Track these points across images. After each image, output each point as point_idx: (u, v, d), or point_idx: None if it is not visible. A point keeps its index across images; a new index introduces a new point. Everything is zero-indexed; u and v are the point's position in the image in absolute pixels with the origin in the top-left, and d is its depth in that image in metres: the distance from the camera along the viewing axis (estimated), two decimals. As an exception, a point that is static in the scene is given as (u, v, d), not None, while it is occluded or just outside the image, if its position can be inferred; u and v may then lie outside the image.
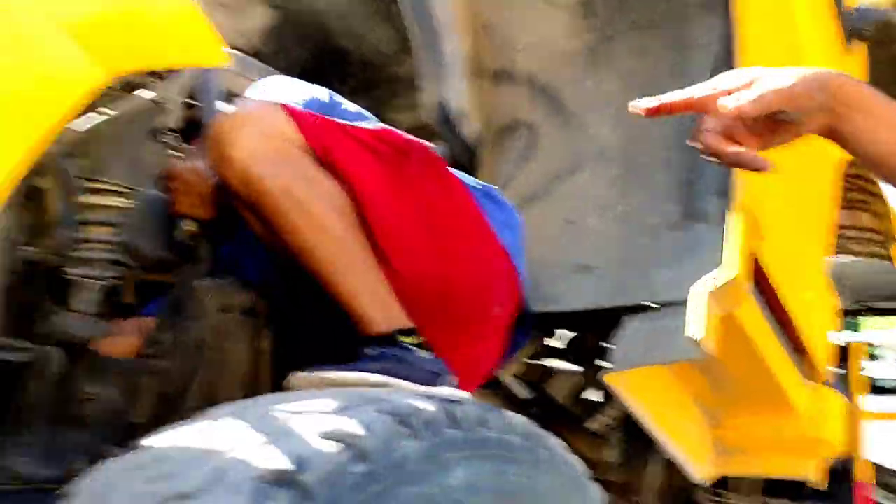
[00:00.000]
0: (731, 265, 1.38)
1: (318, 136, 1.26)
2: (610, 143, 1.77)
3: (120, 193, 1.20)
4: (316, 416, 0.81)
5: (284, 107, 1.28)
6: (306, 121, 1.27)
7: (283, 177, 1.20)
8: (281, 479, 0.71)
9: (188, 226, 1.53)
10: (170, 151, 1.57)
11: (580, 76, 1.85)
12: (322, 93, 1.50)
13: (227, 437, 0.77)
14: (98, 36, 0.56)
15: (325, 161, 1.26)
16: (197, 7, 0.70)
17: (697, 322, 1.30)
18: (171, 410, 1.26)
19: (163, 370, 1.33)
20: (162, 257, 1.58)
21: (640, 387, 1.60)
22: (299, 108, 1.32)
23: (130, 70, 0.67)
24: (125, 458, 0.78)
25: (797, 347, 2.06)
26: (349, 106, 1.60)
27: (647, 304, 1.55)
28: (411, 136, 1.42)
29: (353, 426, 0.79)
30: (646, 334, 1.47)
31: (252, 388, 1.35)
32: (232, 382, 1.31)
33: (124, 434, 1.25)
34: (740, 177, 1.44)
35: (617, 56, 1.79)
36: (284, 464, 0.72)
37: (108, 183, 1.17)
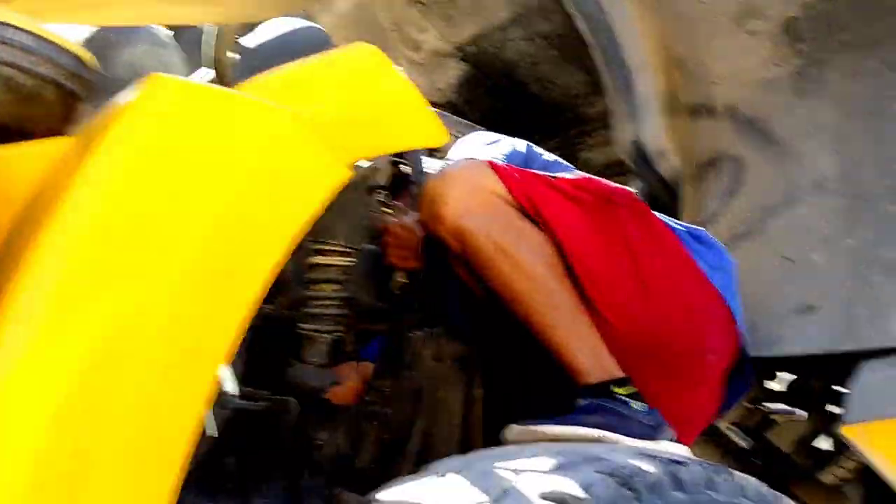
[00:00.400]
0: None
1: (523, 190, 1.29)
2: (829, 172, 1.64)
3: (343, 253, 1.29)
4: (536, 475, 0.82)
5: (489, 163, 1.32)
6: (510, 175, 1.31)
7: (493, 231, 1.25)
8: (507, 539, 0.72)
9: (401, 277, 1.63)
10: (382, 208, 1.68)
11: (789, 104, 1.74)
12: (521, 144, 1.54)
13: (453, 494, 0.80)
14: (337, 132, 0.62)
15: (531, 213, 1.29)
16: (417, 92, 0.75)
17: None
18: (393, 456, 1.33)
19: (384, 416, 1.40)
20: (379, 308, 1.68)
21: (884, 441, 1.45)
22: (502, 162, 1.36)
23: (366, 157, 0.73)
24: (361, 512, 0.83)
25: None
26: (547, 156, 1.62)
27: (884, 348, 1.41)
28: (613, 183, 1.41)
29: (573, 488, 0.79)
30: (887, 382, 1.33)
31: (465, 436, 1.39)
32: (447, 429, 1.35)
33: (352, 479, 1.33)
34: None
35: (829, 80, 1.67)
36: (510, 523, 0.73)
37: (333, 244, 1.27)
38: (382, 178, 1.76)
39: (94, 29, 1.11)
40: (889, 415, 1.31)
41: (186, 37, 1.69)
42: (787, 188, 1.71)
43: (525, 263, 1.24)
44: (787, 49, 1.73)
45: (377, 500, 0.85)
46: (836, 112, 1.65)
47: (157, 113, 0.55)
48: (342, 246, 1.31)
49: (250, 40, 1.31)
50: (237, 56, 1.24)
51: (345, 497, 1.24)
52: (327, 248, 1.30)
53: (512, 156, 1.52)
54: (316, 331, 1.28)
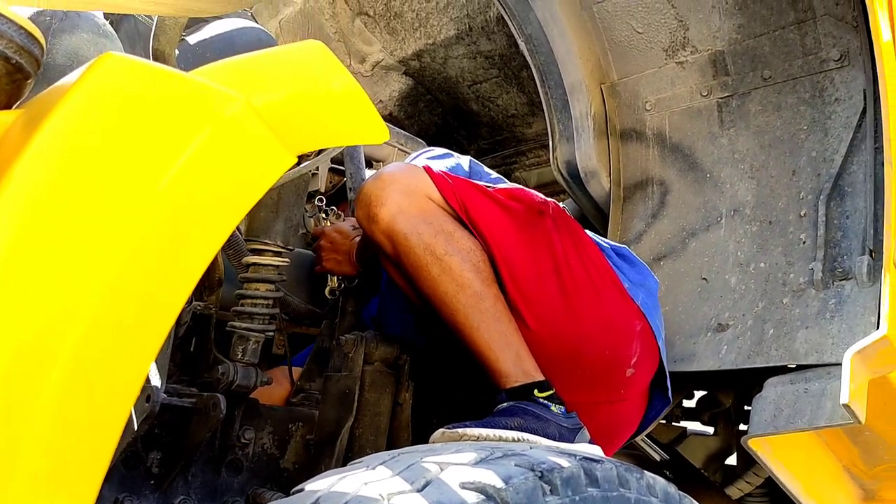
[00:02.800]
0: (883, 325, 1.32)
1: (457, 196, 1.33)
2: (746, 199, 1.74)
3: (278, 253, 1.30)
4: (459, 467, 0.85)
5: (426, 168, 1.36)
6: (445, 181, 1.35)
7: (424, 233, 1.28)
8: (429, 526, 0.75)
9: (333, 282, 1.65)
10: (319, 213, 1.70)
11: (713, 133, 1.84)
12: (465, 161, 1.59)
13: (379, 484, 0.82)
14: (284, 121, 0.64)
15: (464, 219, 1.33)
16: (361, 89, 0.78)
17: (846, 386, 1.25)
18: (319, 457, 1.34)
19: (311, 418, 1.41)
20: (311, 311, 1.69)
21: (785, 454, 1.53)
22: (441, 170, 1.40)
23: (309, 150, 0.76)
24: (288, 501, 0.85)
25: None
26: (488, 171, 1.67)
27: (789, 365, 1.49)
28: (544, 197, 1.46)
29: (493, 479, 0.82)
30: (790, 399, 1.41)
31: (393, 438, 1.41)
32: (375, 431, 1.37)
33: (276, 478, 1.33)
34: (890, 234, 1.38)
35: (751, 112, 1.77)
36: (432, 511, 0.76)
37: (269, 244, 1.28)
38: (322, 184, 1.78)
39: (35, 15, 1.10)
40: (791, 428, 1.39)
41: (125, 28, 1.68)
42: (707, 212, 1.80)
43: (454, 267, 1.27)
44: (714, 81, 1.83)
45: (303, 491, 0.87)
46: (755, 143, 1.75)
47: (108, 89, 0.56)
48: (278, 246, 1.32)
49: (195, 36, 1.32)
50: (177, 52, 1.25)
51: (266, 496, 1.24)
52: (263, 247, 1.31)
53: (456, 170, 1.56)
54: (247, 329, 1.29)
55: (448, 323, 1.31)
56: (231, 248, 1.37)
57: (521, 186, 1.49)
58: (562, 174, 2.07)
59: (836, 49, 1.62)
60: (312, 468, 1.34)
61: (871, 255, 1.45)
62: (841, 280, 1.49)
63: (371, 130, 0.77)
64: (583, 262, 1.41)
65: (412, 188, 1.33)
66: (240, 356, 1.28)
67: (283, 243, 1.33)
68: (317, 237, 1.67)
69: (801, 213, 1.63)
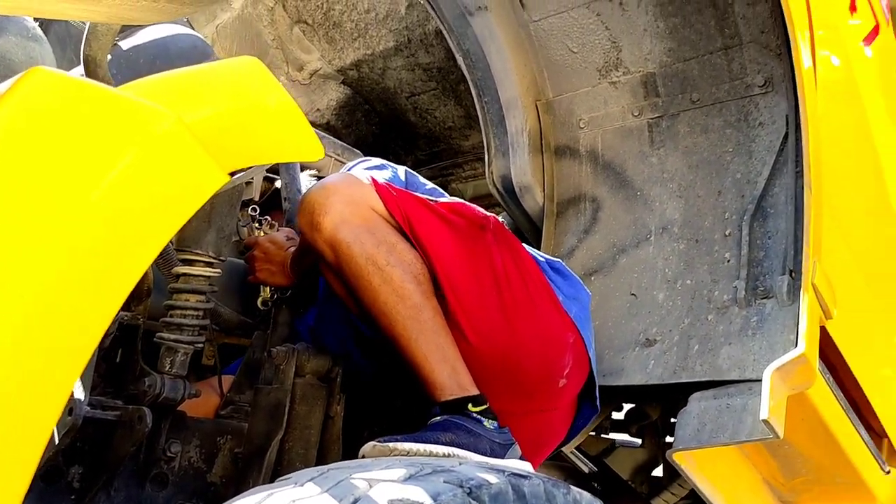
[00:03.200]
0: (801, 343, 1.37)
1: (400, 208, 1.34)
2: (674, 218, 1.79)
3: (209, 264, 1.28)
4: (387, 484, 0.85)
5: (372, 179, 1.37)
6: (389, 193, 1.35)
7: (367, 243, 1.29)
8: (357, 544, 0.74)
9: (266, 293, 1.62)
10: (253, 223, 1.67)
11: (644, 152, 1.89)
12: (402, 172, 1.59)
13: (308, 501, 0.82)
14: (217, 138, 0.64)
15: (406, 231, 1.34)
16: (296, 106, 0.78)
17: (765, 402, 1.30)
18: (248, 471, 1.32)
19: (240, 431, 1.39)
20: (242, 322, 1.66)
21: (708, 466, 1.57)
22: (383, 181, 1.40)
23: (241, 167, 0.75)
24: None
25: (874, 430, 2.00)
26: (428, 185, 1.68)
27: (713, 380, 1.54)
28: (485, 211, 1.48)
29: (421, 496, 0.82)
30: (713, 413, 1.45)
31: (323, 452, 1.40)
32: (305, 445, 1.36)
33: (203, 492, 1.30)
34: (808, 255, 1.44)
35: (680, 133, 1.83)
36: (360, 529, 0.75)
37: (199, 254, 1.26)
38: (255, 193, 1.76)
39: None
40: (714, 442, 1.43)
41: (55, 30, 1.63)
42: (637, 229, 1.85)
43: (394, 277, 1.28)
44: (645, 102, 1.89)
45: (229, 508, 0.85)
46: (683, 163, 1.81)
47: (37, 107, 0.55)
48: (209, 257, 1.29)
49: (128, 42, 1.29)
50: (109, 56, 1.21)
51: (193, 511, 1.21)
52: (193, 257, 1.28)
53: (393, 180, 1.56)
54: (175, 341, 1.26)
55: (386, 333, 1.31)
56: (161, 257, 1.34)
57: (462, 200, 1.51)
58: (497, 188, 2.09)
59: (760, 75, 1.68)
60: (240, 482, 1.32)
61: (790, 275, 1.51)
62: (762, 298, 1.55)
63: (305, 148, 0.76)
64: (521, 276, 1.44)
65: (356, 198, 1.33)
66: (167, 368, 1.25)
67: (214, 254, 1.31)
68: (249, 247, 1.64)
69: (726, 233, 1.68)
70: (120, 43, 1.22)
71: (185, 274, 1.27)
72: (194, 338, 1.27)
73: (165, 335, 1.25)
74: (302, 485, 0.87)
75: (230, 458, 1.36)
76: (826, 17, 1.68)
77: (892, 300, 2.08)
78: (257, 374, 1.47)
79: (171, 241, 1.34)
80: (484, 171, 2.13)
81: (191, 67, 0.75)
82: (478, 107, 2.07)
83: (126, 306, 1.30)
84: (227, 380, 1.57)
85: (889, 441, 2.02)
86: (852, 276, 1.72)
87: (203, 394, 1.55)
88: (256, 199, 1.76)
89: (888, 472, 1.94)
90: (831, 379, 1.67)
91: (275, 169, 1.83)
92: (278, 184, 1.79)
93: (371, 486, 0.84)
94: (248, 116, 0.71)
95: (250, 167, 1.21)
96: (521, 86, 2.01)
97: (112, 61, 1.16)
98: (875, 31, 1.94)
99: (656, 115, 1.87)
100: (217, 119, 0.67)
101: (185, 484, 1.29)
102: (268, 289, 1.62)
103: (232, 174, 1.19)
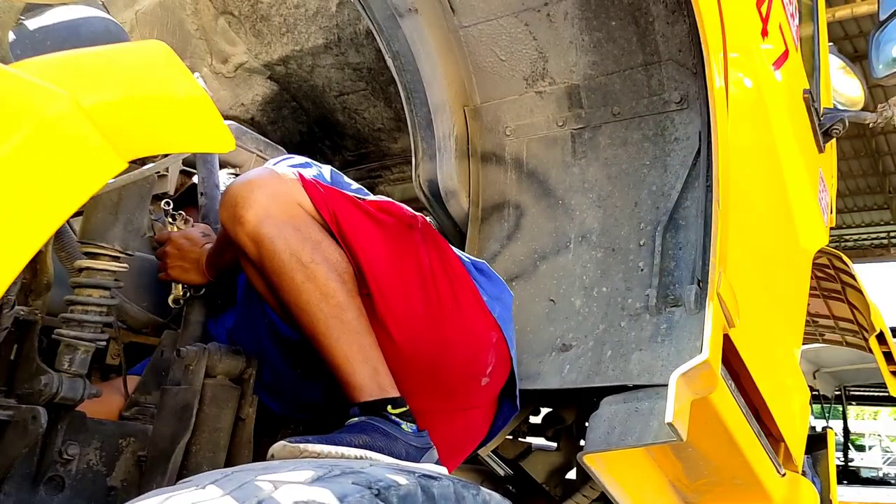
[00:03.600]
0: (705, 350, 1.42)
1: (327, 205, 1.32)
2: (593, 226, 1.83)
3: (115, 258, 1.23)
4: (293, 486, 0.83)
5: (299, 174, 1.34)
6: (316, 189, 1.33)
7: (291, 239, 1.26)
8: (258, 548, 0.73)
9: (178, 290, 1.57)
10: (165, 218, 1.62)
11: (566, 162, 1.93)
12: (327, 171, 1.57)
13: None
14: (117, 123, 0.61)
15: (333, 228, 1.32)
16: (207, 95, 0.76)
17: (671, 406, 1.33)
18: (151, 474, 1.27)
19: (144, 433, 1.34)
20: (151, 320, 1.61)
21: (616, 468, 1.61)
22: (312, 178, 1.38)
23: (145, 155, 0.72)
24: (107, 522, 0.80)
25: (772, 435, 2.08)
26: (354, 185, 1.66)
27: (624, 385, 1.58)
28: (413, 211, 1.48)
29: (328, 498, 0.81)
30: (622, 417, 1.49)
31: (233, 455, 1.36)
32: (213, 448, 1.32)
33: (102, 497, 1.25)
34: (714, 266, 1.49)
35: (601, 144, 1.88)
36: (261, 533, 0.74)
37: (105, 248, 1.21)
38: (170, 187, 1.71)
39: None
40: (622, 445, 1.47)
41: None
42: (558, 237, 1.88)
43: (318, 275, 1.26)
44: (569, 113, 1.92)
45: (125, 511, 0.82)
46: (603, 174, 1.85)
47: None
48: (115, 250, 1.24)
49: (36, 21, 1.23)
50: (13, 36, 1.15)
51: (90, 515, 1.16)
52: (97, 251, 1.23)
53: (318, 179, 1.54)
54: (76, 338, 1.20)
55: (307, 332, 1.29)
56: (63, 250, 1.29)
57: (390, 199, 1.50)
58: (423, 192, 2.10)
59: (677, 92, 1.74)
60: (143, 486, 1.27)
61: (698, 285, 1.56)
62: (672, 307, 1.60)
63: (215, 139, 0.74)
64: (447, 275, 1.44)
65: (282, 193, 1.31)
66: (66, 366, 1.19)
67: (121, 247, 1.25)
68: (161, 243, 1.59)
69: (641, 243, 1.73)
70: (26, 22, 1.16)
71: (87, 268, 1.22)
72: (96, 335, 1.21)
73: (65, 332, 1.20)
74: (203, 487, 0.85)
75: (133, 462, 1.31)
76: (740, 40, 1.75)
77: (790, 312, 2.18)
78: (165, 375, 1.42)
79: (74, 233, 1.29)
80: (411, 175, 2.13)
81: (93, 48, 0.72)
82: (406, 109, 2.07)
83: (24, 301, 1.23)
84: (134, 381, 1.52)
85: (786, 445, 2.11)
86: (755, 287, 1.80)
87: (106, 394, 1.49)
88: (171, 193, 1.71)
89: (783, 475, 2.03)
90: (733, 385, 1.73)
91: (192, 163, 1.78)
92: (195, 178, 1.74)
93: (276, 488, 0.83)
94: (153, 102, 0.69)
95: (162, 158, 1.17)
96: (449, 90, 2.02)
97: (16, 42, 1.11)
98: (784, 55, 2.03)
99: (579, 127, 1.91)
100: (118, 103, 0.64)
101: (83, 488, 1.23)
102: (180, 286, 1.58)
103: (142, 164, 1.16)
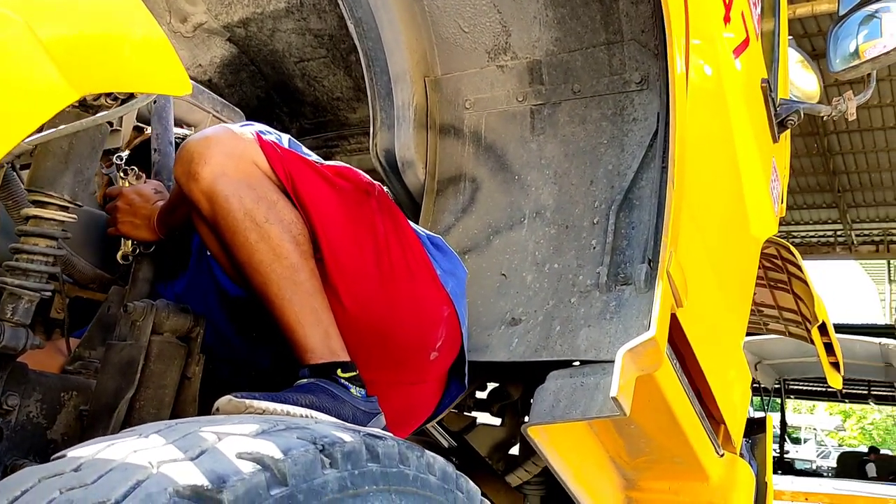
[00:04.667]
0: (652, 327, 1.45)
1: (284, 166, 1.31)
2: (547, 203, 1.84)
3: (63, 208, 1.20)
4: (237, 437, 0.83)
5: (256, 134, 1.32)
6: (273, 150, 1.32)
7: (246, 198, 1.25)
8: (198, 496, 0.73)
9: (127, 247, 1.55)
10: (117, 172, 1.59)
11: (524, 137, 1.94)
12: (285, 139, 1.55)
13: (149, 452, 0.79)
14: (72, 55, 0.59)
15: (289, 190, 1.31)
16: (165, 37, 0.74)
17: (616, 380, 1.36)
18: (93, 429, 1.25)
19: (87, 387, 1.32)
20: (98, 275, 1.58)
21: (559, 442, 1.64)
22: (270, 140, 1.36)
23: (98, 91, 0.70)
24: (44, 467, 0.79)
25: (713, 416, 2.14)
26: (310, 153, 1.65)
27: (571, 360, 1.60)
28: (370, 178, 1.47)
29: (272, 450, 0.81)
30: (567, 391, 1.51)
31: (178, 412, 1.35)
32: (158, 405, 1.31)
33: (42, 449, 1.23)
34: (665, 246, 1.52)
35: (560, 122, 1.89)
36: (202, 481, 0.73)
37: (54, 196, 1.18)
38: (122, 141, 1.67)
39: None
40: (566, 418, 1.49)
41: None
42: (512, 212, 1.89)
43: (272, 235, 1.25)
44: (529, 88, 1.93)
45: (63, 457, 0.81)
46: (561, 151, 1.86)
47: None
48: (64, 200, 1.21)
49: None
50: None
51: (25, 466, 1.14)
52: (46, 199, 1.20)
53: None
54: (20, 287, 1.17)
55: (259, 293, 1.28)
56: (11, 197, 1.25)
57: (348, 165, 1.49)
58: (380, 161, 2.09)
59: (637, 72, 1.76)
60: (84, 440, 1.25)
61: (649, 264, 1.59)
62: (622, 285, 1.63)
63: (172, 81, 0.73)
64: (401, 246, 1.44)
65: (238, 151, 1.29)
66: (9, 315, 1.16)
67: (70, 198, 1.23)
68: (112, 197, 1.56)
69: (595, 221, 1.75)
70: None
71: (35, 216, 1.19)
72: (41, 285, 1.19)
73: (8, 280, 1.17)
74: (146, 436, 0.84)
75: (74, 416, 1.29)
76: (702, 24, 1.77)
77: (737, 297, 2.24)
78: (111, 331, 1.40)
79: (21, 181, 1.25)
80: (369, 146, 2.12)
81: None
82: (366, 77, 2.05)
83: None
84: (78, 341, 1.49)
85: (726, 427, 2.17)
86: (704, 270, 1.84)
87: (49, 348, 1.46)
88: (124, 147, 1.68)
89: (722, 455, 2.09)
90: (678, 366, 1.77)
91: (146, 119, 1.74)
92: (149, 132, 1.70)
93: (220, 440, 0.82)
94: (111, 39, 0.67)
95: (115, 107, 1.14)
96: (411, 60, 2.01)
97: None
98: (745, 43, 2.06)
99: (539, 103, 1.92)
100: (74, 37, 0.62)
101: (22, 440, 1.21)
102: (129, 243, 1.55)
103: (94, 112, 1.13)
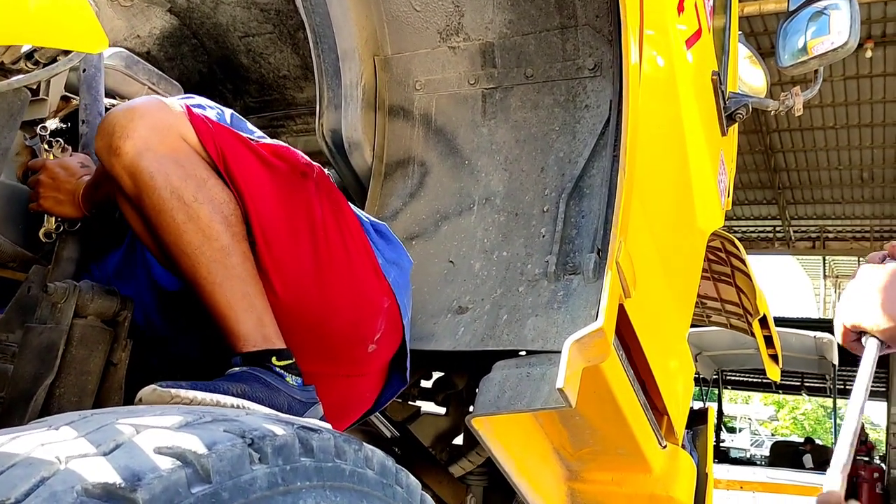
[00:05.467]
0: (600, 317, 1.42)
1: (216, 142, 1.23)
2: (497, 189, 1.80)
3: (-24, 179, 1.11)
4: (157, 431, 0.77)
5: (186, 107, 1.24)
6: (204, 124, 1.23)
7: (173, 176, 1.16)
8: (109, 495, 0.66)
9: (51, 224, 1.45)
10: (41, 144, 1.49)
11: (475, 122, 1.89)
12: (227, 113, 1.46)
13: (58, 446, 0.72)
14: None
15: (220, 168, 1.23)
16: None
17: (562, 371, 1.33)
18: (9, 416, 1.17)
19: (3, 373, 1.23)
20: (19, 253, 1.48)
21: (503, 433, 1.61)
22: (201, 114, 1.28)
23: (4, 42, 0.62)
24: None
25: (657, 407, 2.14)
26: (254, 129, 1.56)
27: (517, 350, 1.57)
28: (309, 159, 1.40)
29: (195, 444, 0.75)
30: (513, 381, 1.48)
31: (101, 400, 1.27)
32: (80, 392, 1.22)
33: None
34: (615, 236, 1.50)
35: (511, 106, 1.85)
36: (114, 478, 0.67)
37: (-36, 166, 1.09)
38: (47, 112, 1.57)
39: None
40: (511, 409, 1.46)
41: None
42: (462, 198, 1.85)
43: (202, 216, 1.17)
44: (482, 71, 1.88)
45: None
46: (512, 137, 1.82)
47: None
48: (-22, 171, 1.12)
49: None
50: None
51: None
52: (-42, 169, 1.11)
53: (219, 120, 1.44)
54: (-73, 263, 1.08)
55: (187, 277, 1.20)
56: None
57: (286, 145, 1.41)
58: (326, 142, 2.02)
59: (591, 58, 1.73)
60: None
61: (598, 254, 1.56)
62: (570, 274, 1.60)
63: (86, 36, 0.65)
64: (340, 232, 1.37)
65: (165, 125, 1.20)
66: (-87, 294, 1.07)
67: (-14, 169, 1.14)
68: (35, 170, 1.46)
69: (545, 209, 1.72)
70: None
71: (-56, 187, 1.09)
72: (-50, 262, 1.10)
73: (-87, 255, 1.07)
74: (57, 428, 0.77)
75: (-12, 402, 1.20)
76: (657, 13, 1.75)
77: (683, 289, 2.24)
78: (31, 313, 1.31)
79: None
80: (315, 126, 2.04)
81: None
82: (313, 54, 1.98)
83: None
84: (-2, 318, 1.39)
85: (668, 418, 2.18)
86: (652, 261, 1.82)
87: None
88: (50, 117, 1.57)
89: (664, 447, 2.09)
90: (625, 357, 1.76)
91: (76, 89, 1.64)
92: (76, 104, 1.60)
93: (138, 432, 0.76)
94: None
95: (35, 71, 1.06)
96: (360, 37, 1.94)
97: None
98: (697, 34, 2.05)
99: (491, 86, 1.87)
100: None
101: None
102: (53, 220, 1.45)
103: (12, 76, 1.04)
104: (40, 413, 1.19)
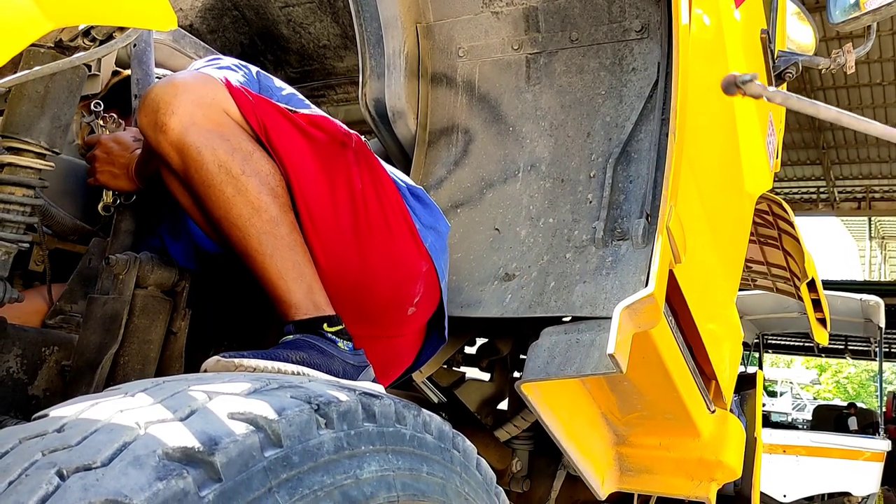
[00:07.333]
0: (651, 283, 1.42)
1: (257, 115, 1.24)
2: (543, 156, 1.79)
3: (40, 155, 1.14)
4: (229, 397, 0.79)
5: (225, 80, 1.25)
6: (245, 97, 1.25)
7: (219, 149, 1.18)
8: (189, 458, 0.69)
9: (108, 197, 1.49)
10: (96, 120, 1.52)
11: (519, 87, 1.87)
12: (253, 70, 1.47)
13: (136, 412, 0.75)
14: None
15: (263, 140, 1.24)
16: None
17: (613, 337, 1.33)
18: (76, 384, 1.21)
19: (69, 342, 1.28)
20: (79, 227, 1.52)
21: (552, 399, 1.62)
22: (240, 85, 1.29)
23: (75, 23, 0.64)
24: (25, 427, 0.74)
25: (705, 372, 2.13)
26: (286, 89, 1.57)
27: (565, 316, 1.57)
28: (347, 128, 1.41)
29: (266, 410, 0.78)
30: (562, 347, 1.49)
31: (163, 368, 1.31)
32: (142, 360, 1.27)
33: (23, 406, 1.19)
34: (666, 200, 1.48)
35: (556, 71, 1.83)
36: (192, 442, 0.70)
37: (30, 143, 1.12)
38: (100, 87, 1.59)
39: None
40: (561, 375, 1.47)
41: None
42: (506, 165, 1.84)
43: (250, 188, 1.19)
44: (525, 36, 1.86)
45: (46, 416, 0.77)
46: (557, 102, 1.81)
47: None
48: (41, 147, 1.15)
49: None
50: None
51: (9, 424, 1.10)
52: (22, 146, 1.13)
53: (248, 84, 1.45)
54: (-4, 238, 1.12)
55: (238, 249, 1.23)
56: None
57: (324, 114, 1.43)
58: (369, 111, 2.02)
59: (638, 20, 1.70)
60: (67, 396, 1.21)
61: (647, 219, 1.55)
62: (619, 240, 1.59)
63: (156, 15, 0.67)
64: (379, 200, 1.39)
65: (208, 99, 1.21)
66: (-15, 268, 1.11)
67: (48, 144, 1.16)
68: (91, 146, 1.49)
69: (591, 174, 1.71)
70: None
71: (10, 164, 1.13)
72: (19, 236, 1.13)
73: (-17, 230, 1.11)
74: (133, 395, 0.80)
75: (56, 371, 1.25)
76: (704, -28, 1.71)
77: (731, 253, 2.22)
78: (93, 284, 1.35)
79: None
80: (357, 96, 2.04)
81: None
82: (355, 23, 1.97)
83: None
84: (59, 289, 1.44)
85: (717, 383, 2.17)
86: (701, 226, 1.81)
87: (30, 301, 1.41)
88: (103, 93, 1.60)
89: (713, 412, 2.09)
90: (673, 322, 1.75)
91: (126, 64, 1.66)
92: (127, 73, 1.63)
93: (210, 399, 0.78)
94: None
95: (93, 49, 1.08)
96: (402, 5, 1.93)
97: None
98: (746, -7, 2.00)
99: (535, 51, 1.85)
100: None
101: (2, 396, 1.17)
102: (110, 193, 1.48)
103: (71, 54, 1.06)
104: (106, 381, 1.23)
